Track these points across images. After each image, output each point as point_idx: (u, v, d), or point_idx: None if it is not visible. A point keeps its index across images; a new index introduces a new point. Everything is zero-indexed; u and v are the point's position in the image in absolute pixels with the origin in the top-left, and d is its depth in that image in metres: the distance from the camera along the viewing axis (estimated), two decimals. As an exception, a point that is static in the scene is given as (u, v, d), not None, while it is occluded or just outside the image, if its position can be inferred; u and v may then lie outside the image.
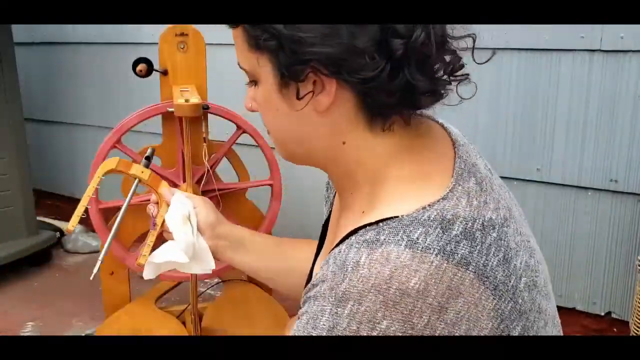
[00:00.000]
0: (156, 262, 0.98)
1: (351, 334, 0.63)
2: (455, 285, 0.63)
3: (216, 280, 2.14)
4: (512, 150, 1.81)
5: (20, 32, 2.57)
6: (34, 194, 2.51)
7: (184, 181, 1.68)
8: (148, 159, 1.06)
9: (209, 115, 1.69)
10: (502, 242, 0.68)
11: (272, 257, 1.07)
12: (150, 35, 2.26)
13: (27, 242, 2.41)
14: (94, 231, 1.93)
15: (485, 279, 0.64)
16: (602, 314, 1.81)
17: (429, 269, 0.62)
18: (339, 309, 0.64)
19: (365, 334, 0.63)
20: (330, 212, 0.93)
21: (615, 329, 1.81)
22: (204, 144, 1.67)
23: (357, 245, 0.65)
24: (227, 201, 1.77)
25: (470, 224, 0.66)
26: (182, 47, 1.66)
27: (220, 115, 1.70)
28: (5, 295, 2.25)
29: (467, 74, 0.72)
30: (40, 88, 2.83)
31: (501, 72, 1.77)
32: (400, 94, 0.68)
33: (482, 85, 1.81)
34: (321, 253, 0.93)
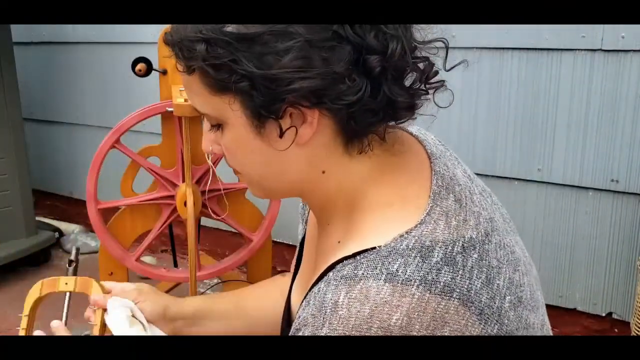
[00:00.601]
0: None
1: None
2: (440, 314, 0.61)
3: (216, 280, 2.14)
4: (512, 150, 1.81)
5: (20, 32, 2.57)
6: (33, 194, 2.51)
7: (183, 181, 1.68)
8: (71, 262, 1.01)
9: (209, 115, 1.69)
10: (484, 262, 0.66)
11: (234, 320, 1.02)
12: (150, 35, 2.26)
13: (26, 242, 2.40)
14: (93, 231, 1.93)
15: (471, 304, 0.63)
16: (603, 314, 1.81)
17: (411, 302, 0.60)
18: None
19: None
20: (306, 230, 0.90)
21: (616, 330, 1.80)
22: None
23: (334, 283, 0.63)
24: (228, 201, 1.77)
25: (450, 248, 0.64)
26: (181, 47, 1.66)
27: (220, 115, 1.69)
28: (5, 295, 2.25)
29: (443, 81, 0.69)
30: (39, 88, 2.82)
31: (502, 72, 1.77)
32: (382, 111, 0.66)
33: (483, 85, 1.81)
34: (298, 275, 0.89)
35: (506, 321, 0.66)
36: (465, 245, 0.65)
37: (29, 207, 2.44)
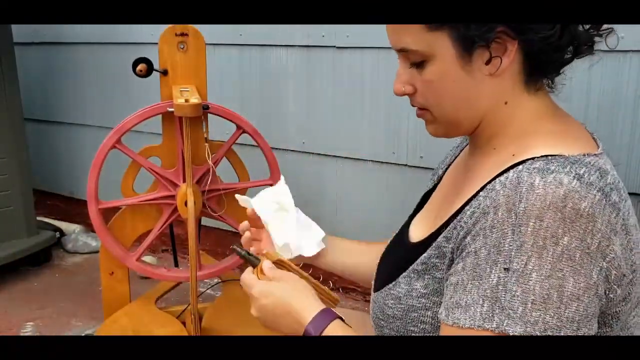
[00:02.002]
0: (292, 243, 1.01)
1: (537, 251, 0.67)
2: (613, 223, 0.70)
3: (216, 280, 2.14)
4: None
5: (20, 32, 2.57)
6: (34, 194, 2.51)
7: (184, 181, 1.68)
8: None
9: (209, 115, 1.69)
10: (631, 212, 0.76)
11: (360, 254, 1.11)
12: (150, 35, 2.26)
13: (27, 242, 2.40)
14: (93, 231, 1.93)
15: (627, 233, 0.73)
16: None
17: (594, 199, 0.69)
18: (522, 228, 0.68)
19: (551, 250, 0.67)
20: (436, 184, 1.00)
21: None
22: (206, 143, 1.67)
23: (527, 171, 0.70)
24: (227, 201, 1.77)
25: (617, 182, 0.74)
26: (182, 47, 1.66)
27: (220, 115, 1.70)
28: (5, 295, 2.25)
29: (611, 29, 0.80)
30: (40, 88, 2.83)
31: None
32: (565, 49, 0.78)
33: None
34: (418, 217, 0.98)
35: (638, 262, 0.75)
36: (624, 191, 0.75)
37: (29, 207, 2.44)
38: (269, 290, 0.89)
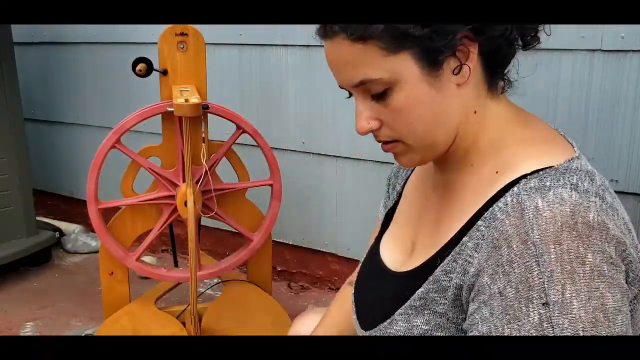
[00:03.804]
0: None
1: (569, 277, 0.64)
2: (619, 224, 0.69)
3: (216, 280, 2.14)
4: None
5: (20, 32, 2.57)
6: (34, 194, 2.51)
7: (184, 181, 1.68)
8: None
9: (209, 115, 1.69)
10: (623, 208, 0.74)
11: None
12: (150, 35, 2.26)
13: (26, 242, 2.40)
14: (93, 231, 1.93)
15: (630, 230, 0.71)
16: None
17: (596, 206, 0.67)
18: (544, 257, 0.65)
19: (581, 272, 0.64)
20: (397, 201, 0.96)
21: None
22: (203, 144, 1.67)
23: (526, 194, 0.68)
24: (227, 201, 1.77)
25: (604, 181, 0.73)
26: (182, 46, 1.66)
27: (220, 115, 1.70)
28: (5, 295, 2.25)
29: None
30: (40, 88, 2.83)
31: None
32: (515, 42, 0.77)
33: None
34: (386, 238, 0.94)
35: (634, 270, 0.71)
36: (611, 189, 0.73)
37: (29, 207, 2.44)
38: None
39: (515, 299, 0.65)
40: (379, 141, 0.80)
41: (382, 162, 1.95)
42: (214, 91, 1.82)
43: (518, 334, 0.65)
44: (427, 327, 0.76)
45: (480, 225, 0.71)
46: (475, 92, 0.77)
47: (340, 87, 0.78)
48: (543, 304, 0.64)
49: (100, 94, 2.64)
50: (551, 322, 0.64)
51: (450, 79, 0.74)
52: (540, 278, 0.64)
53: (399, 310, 0.80)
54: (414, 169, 0.96)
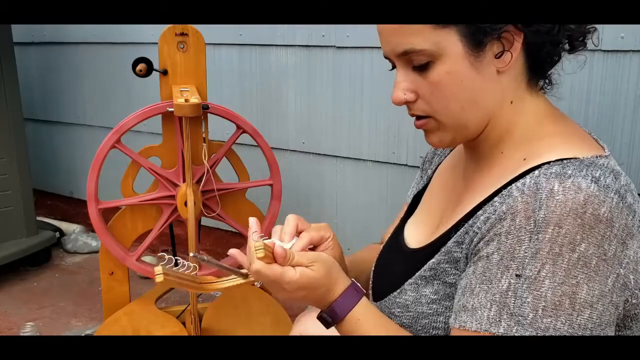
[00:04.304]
0: None
1: (552, 258, 0.66)
2: (630, 225, 0.69)
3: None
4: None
5: (20, 32, 2.57)
6: (34, 194, 2.51)
7: (184, 181, 1.68)
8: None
9: (209, 115, 1.69)
10: None
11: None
12: (150, 35, 2.26)
13: (26, 242, 2.41)
14: (93, 231, 1.93)
15: None
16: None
17: (612, 203, 0.68)
18: (539, 235, 0.67)
19: (567, 257, 0.66)
20: (427, 184, 0.99)
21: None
22: (204, 144, 1.67)
23: (545, 177, 0.70)
24: (227, 201, 1.77)
25: (629, 183, 0.74)
26: (182, 47, 1.66)
27: (220, 115, 1.70)
28: (5, 295, 2.25)
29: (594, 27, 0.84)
30: (40, 88, 2.83)
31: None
32: (562, 43, 0.78)
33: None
34: (412, 220, 0.95)
35: None
36: (635, 192, 0.74)
37: (29, 207, 2.44)
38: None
39: (496, 265, 0.69)
40: (412, 115, 0.82)
41: (382, 162, 1.95)
42: (214, 91, 1.82)
43: (485, 295, 0.69)
44: (435, 297, 0.79)
45: (496, 201, 0.73)
46: (515, 84, 0.79)
47: (385, 57, 0.80)
48: (517, 275, 0.68)
49: (100, 94, 2.64)
50: (516, 293, 0.68)
51: (492, 63, 0.76)
52: (526, 252, 0.68)
53: (409, 280, 0.83)
54: (446, 156, 0.98)
